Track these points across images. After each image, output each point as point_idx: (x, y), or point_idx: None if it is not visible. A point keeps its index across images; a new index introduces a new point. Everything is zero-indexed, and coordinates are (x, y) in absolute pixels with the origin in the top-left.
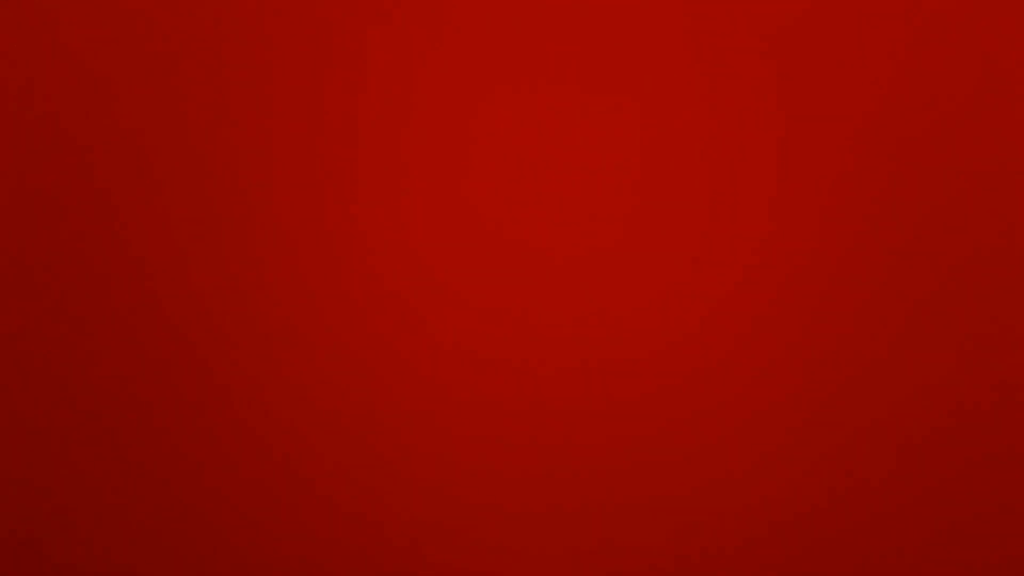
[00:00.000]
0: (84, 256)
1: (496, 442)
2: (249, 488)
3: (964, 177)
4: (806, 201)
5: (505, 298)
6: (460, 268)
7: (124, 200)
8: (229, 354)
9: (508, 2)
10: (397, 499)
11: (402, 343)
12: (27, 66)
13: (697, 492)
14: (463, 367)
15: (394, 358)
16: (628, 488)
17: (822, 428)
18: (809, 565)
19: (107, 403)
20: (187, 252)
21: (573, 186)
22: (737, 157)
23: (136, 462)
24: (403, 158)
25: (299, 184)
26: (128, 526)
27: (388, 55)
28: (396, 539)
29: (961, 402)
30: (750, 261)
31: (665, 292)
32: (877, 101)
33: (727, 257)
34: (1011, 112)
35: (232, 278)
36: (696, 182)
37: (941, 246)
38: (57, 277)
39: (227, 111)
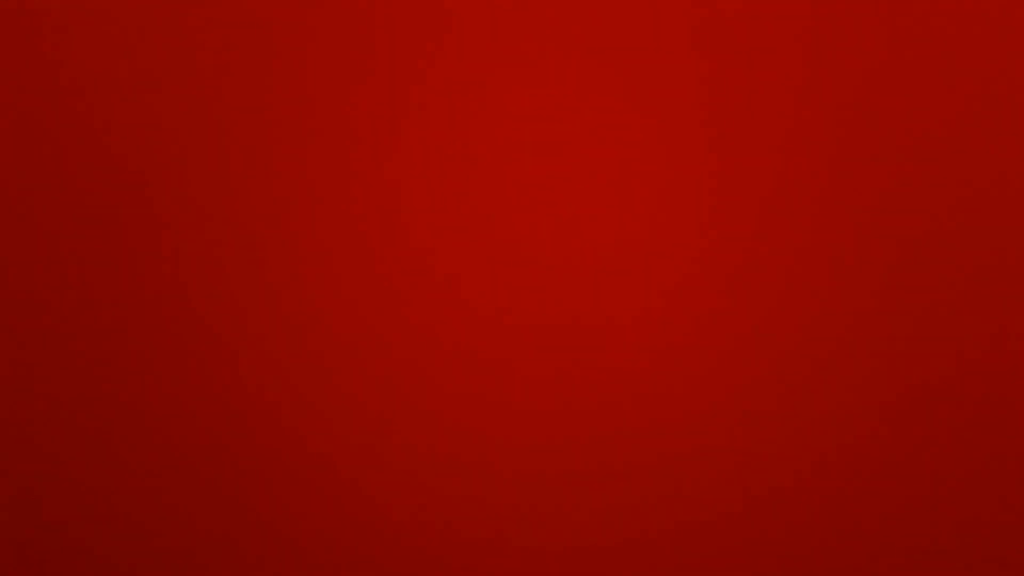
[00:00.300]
0: (80, 255)
1: (495, 440)
2: (253, 488)
3: (964, 176)
4: (803, 199)
5: (506, 296)
6: (461, 266)
7: (124, 200)
8: (233, 353)
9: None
10: (400, 498)
11: (403, 342)
12: (27, 65)
13: (702, 489)
14: (463, 365)
15: (393, 356)
16: (629, 486)
17: (819, 426)
18: (805, 563)
19: (105, 404)
20: (189, 250)
21: (570, 185)
22: (735, 156)
23: (135, 463)
24: (401, 156)
25: (302, 184)
26: (133, 527)
27: (388, 50)
28: (401, 538)
29: (959, 400)
30: (750, 259)
31: (662, 289)
32: (874, 99)
33: (730, 257)
34: (1009, 112)
35: (235, 278)
36: (694, 181)
37: (940, 245)
38: (54, 276)
39: (228, 110)
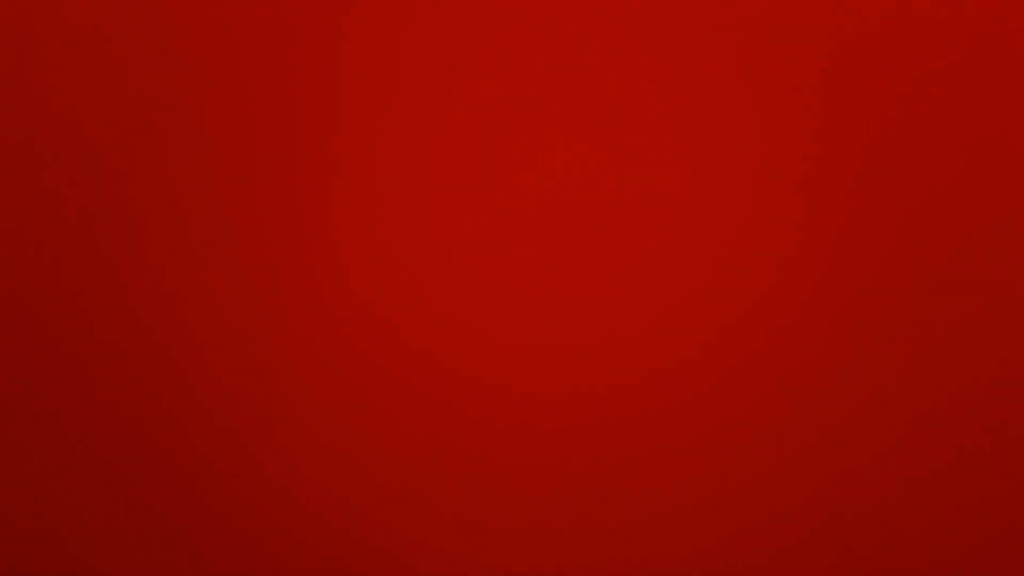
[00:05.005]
0: (73, 256)
1: (493, 437)
2: (253, 491)
3: (952, 170)
4: (794, 194)
5: (504, 293)
6: (459, 267)
7: (124, 202)
8: (235, 355)
9: (490, 3)
10: (400, 497)
11: (403, 342)
12: (25, 64)
13: (706, 486)
14: (463, 361)
15: (390, 352)
16: (626, 483)
17: (814, 420)
18: (799, 561)
19: (95, 408)
20: (192, 250)
21: (569, 183)
22: (728, 153)
23: (129, 466)
24: (395, 156)
25: (306, 182)
26: (126, 530)
27: (372, 51)
28: (402, 538)
29: (952, 397)
30: (749, 256)
31: (655, 286)
32: (863, 93)
33: (734, 255)
34: (1004, 109)
35: (238, 278)
36: (691, 180)
37: (930, 239)
38: (44, 277)
39: (229, 110)
